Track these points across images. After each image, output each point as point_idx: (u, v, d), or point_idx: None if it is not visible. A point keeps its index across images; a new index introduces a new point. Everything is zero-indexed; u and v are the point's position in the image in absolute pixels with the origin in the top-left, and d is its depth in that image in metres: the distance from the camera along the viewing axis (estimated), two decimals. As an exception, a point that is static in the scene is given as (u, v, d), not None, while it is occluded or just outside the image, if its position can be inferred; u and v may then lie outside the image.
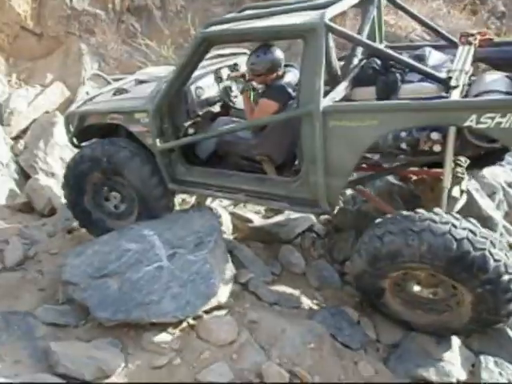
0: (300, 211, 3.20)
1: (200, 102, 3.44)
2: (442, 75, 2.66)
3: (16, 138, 5.93)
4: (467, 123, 2.35)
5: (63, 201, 4.49)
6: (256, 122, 3.12)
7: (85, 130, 3.71)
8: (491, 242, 2.46)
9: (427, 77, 2.67)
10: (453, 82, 2.58)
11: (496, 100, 2.46)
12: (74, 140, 3.83)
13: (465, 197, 3.07)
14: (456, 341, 2.82)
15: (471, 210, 3.53)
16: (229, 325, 2.74)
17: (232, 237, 3.77)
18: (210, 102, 3.53)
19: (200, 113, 3.43)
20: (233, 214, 4.11)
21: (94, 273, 2.93)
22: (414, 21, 3.74)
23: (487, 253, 2.41)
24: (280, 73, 3.09)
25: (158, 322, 2.67)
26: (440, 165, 2.84)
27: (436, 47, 3.14)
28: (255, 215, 4.26)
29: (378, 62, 2.88)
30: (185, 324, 2.75)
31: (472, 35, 3.14)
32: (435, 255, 2.46)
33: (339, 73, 2.94)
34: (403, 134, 2.64)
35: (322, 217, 3.97)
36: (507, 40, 3.98)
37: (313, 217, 3.91)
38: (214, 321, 2.75)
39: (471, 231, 2.46)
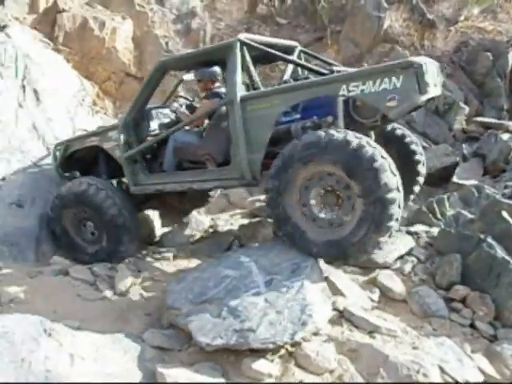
0: (229, 185, 4.03)
1: (160, 124, 4.40)
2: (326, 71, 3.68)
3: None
4: (341, 92, 3.17)
5: (163, 230, 4.85)
6: (192, 117, 4.02)
7: (69, 159, 4.56)
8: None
9: (318, 74, 3.70)
10: (329, 71, 3.64)
11: (354, 72, 3.36)
12: (59, 170, 4.65)
13: None
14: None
15: None
16: (328, 353, 2.69)
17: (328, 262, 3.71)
18: (168, 126, 4.35)
19: (159, 131, 4.32)
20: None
21: (194, 298, 3.07)
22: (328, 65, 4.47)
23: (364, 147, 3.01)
24: (218, 83, 4.08)
25: (256, 348, 2.69)
26: None
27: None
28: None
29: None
30: (284, 351, 2.74)
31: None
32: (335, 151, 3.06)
33: (260, 84, 3.67)
34: (308, 124, 3.45)
35: (422, 240, 3.80)
36: None
37: (412, 240, 3.75)
38: (312, 348, 2.70)
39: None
